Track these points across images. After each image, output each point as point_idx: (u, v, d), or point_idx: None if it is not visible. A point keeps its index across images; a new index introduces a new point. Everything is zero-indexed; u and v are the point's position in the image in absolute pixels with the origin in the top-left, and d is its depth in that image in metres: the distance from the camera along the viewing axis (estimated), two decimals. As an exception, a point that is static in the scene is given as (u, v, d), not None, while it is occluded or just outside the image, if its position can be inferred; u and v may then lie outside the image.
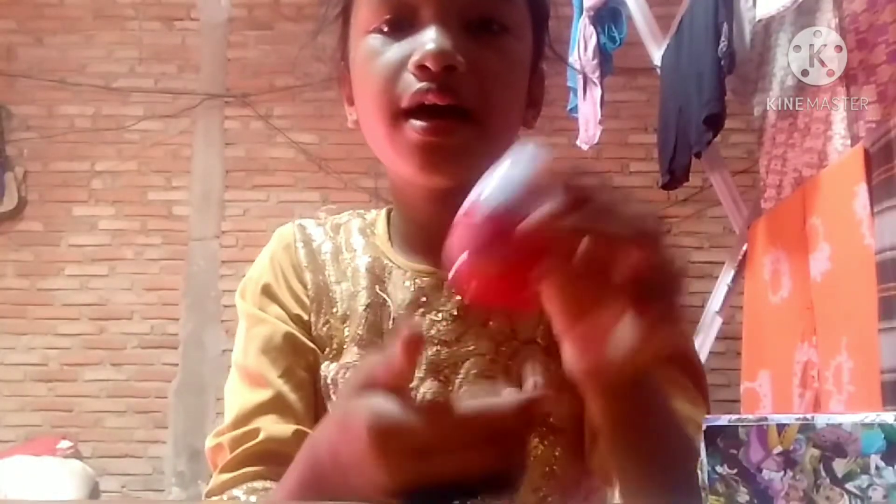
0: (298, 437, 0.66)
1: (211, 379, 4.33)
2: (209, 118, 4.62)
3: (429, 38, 0.65)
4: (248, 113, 4.62)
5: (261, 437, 0.67)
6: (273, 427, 0.67)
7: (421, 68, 0.64)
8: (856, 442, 0.37)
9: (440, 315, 0.71)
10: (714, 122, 2.62)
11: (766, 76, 2.68)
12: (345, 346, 0.71)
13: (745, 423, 0.38)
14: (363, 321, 0.71)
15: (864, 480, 0.36)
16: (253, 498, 0.64)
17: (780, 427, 0.37)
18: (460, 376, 0.69)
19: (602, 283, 0.46)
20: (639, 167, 4.38)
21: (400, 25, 0.67)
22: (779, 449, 0.37)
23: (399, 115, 0.66)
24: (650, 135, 3.87)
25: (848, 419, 0.37)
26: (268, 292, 0.74)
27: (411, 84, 0.65)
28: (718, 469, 0.38)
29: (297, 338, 0.72)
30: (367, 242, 0.77)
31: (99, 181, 4.57)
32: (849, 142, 2.22)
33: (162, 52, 4.68)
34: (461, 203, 0.49)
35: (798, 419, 0.37)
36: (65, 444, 4.00)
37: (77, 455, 4.02)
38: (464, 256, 0.48)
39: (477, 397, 0.45)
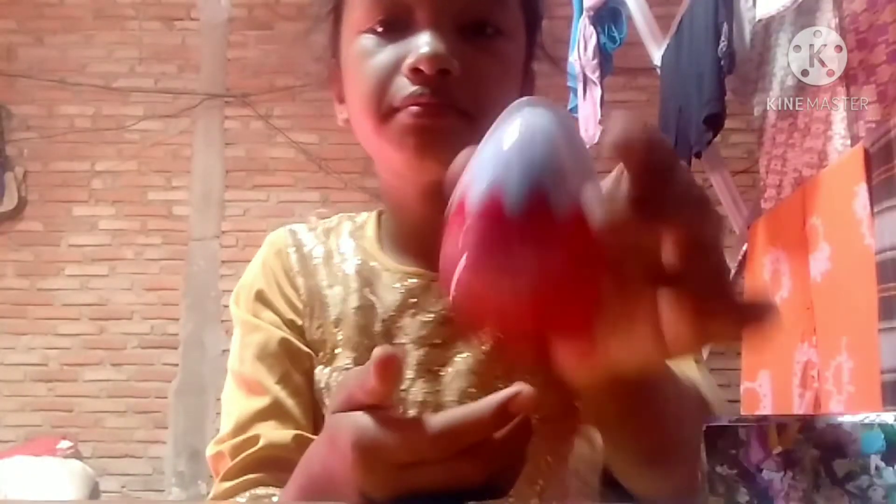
0: (298, 441, 0.66)
1: (211, 379, 4.33)
2: (209, 118, 4.62)
3: (423, 41, 0.64)
4: (248, 113, 4.62)
5: (261, 443, 0.67)
6: (273, 433, 0.67)
7: (415, 71, 0.64)
8: (856, 442, 0.36)
9: (430, 316, 0.70)
10: (714, 122, 2.63)
11: (766, 76, 2.68)
12: (338, 350, 0.71)
13: (745, 424, 0.38)
14: (353, 324, 0.71)
15: (864, 481, 0.36)
16: None
17: (780, 427, 0.37)
18: (451, 377, 0.68)
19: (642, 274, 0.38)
20: (639, 167, 4.37)
21: (394, 27, 0.66)
22: (779, 449, 0.37)
23: (390, 113, 0.66)
24: (650, 135, 3.86)
25: (848, 419, 0.37)
26: (261, 298, 0.74)
27: (404, 87, 0.64)
28: (718, 469, 0.37)
29: (293, 343, 0.72)
30: (357, 245, 0.76)
31: (99, 181, 4.57)
32: (849, 142, 2.22)
33: (162, 52, 4.68)
34: None
35: (798, 419, 0.37)
36: (65, 444, 4.00)
37: (77, 455, 4.02)
38: (462, 262, 0.37)
39: (467, 401, 0.45)
